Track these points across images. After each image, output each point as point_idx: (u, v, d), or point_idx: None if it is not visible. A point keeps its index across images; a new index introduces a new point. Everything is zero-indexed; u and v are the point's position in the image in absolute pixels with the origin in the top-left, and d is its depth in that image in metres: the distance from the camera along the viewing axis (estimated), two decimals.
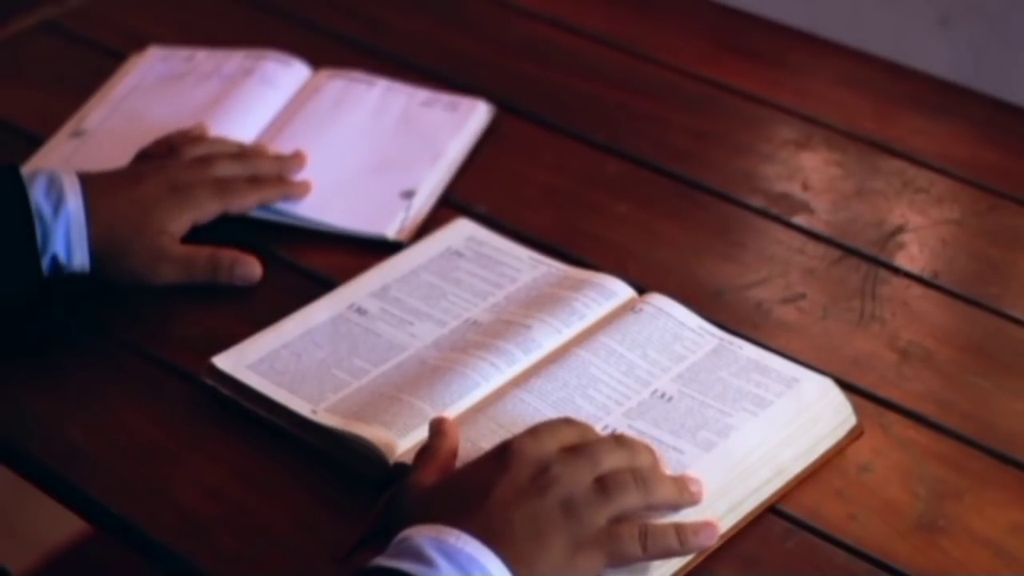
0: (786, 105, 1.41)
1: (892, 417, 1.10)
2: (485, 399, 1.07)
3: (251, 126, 1.35)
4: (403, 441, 1.04)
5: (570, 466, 0.95)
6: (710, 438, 1.04)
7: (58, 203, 1.14)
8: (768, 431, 1.05)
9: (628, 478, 0.96)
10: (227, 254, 1.19)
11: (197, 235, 1.21)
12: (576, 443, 0.98)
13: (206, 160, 1.23)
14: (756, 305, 1.19)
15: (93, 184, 1.16)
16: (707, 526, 0.97)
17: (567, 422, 1.00)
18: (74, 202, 1.14)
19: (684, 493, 0.98)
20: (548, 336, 1.12)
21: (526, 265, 1.20)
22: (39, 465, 1.09)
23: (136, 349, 1.16)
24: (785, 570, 1.00)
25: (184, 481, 1.06)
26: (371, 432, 1.04)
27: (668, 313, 1.13)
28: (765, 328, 1.17)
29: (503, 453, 0.96)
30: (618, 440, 0.99)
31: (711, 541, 0.97)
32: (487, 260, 1.21)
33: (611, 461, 0.97)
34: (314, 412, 1.07)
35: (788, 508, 1.03)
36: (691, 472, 1.01)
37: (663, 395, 1.08)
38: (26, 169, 1.17)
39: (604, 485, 0.95)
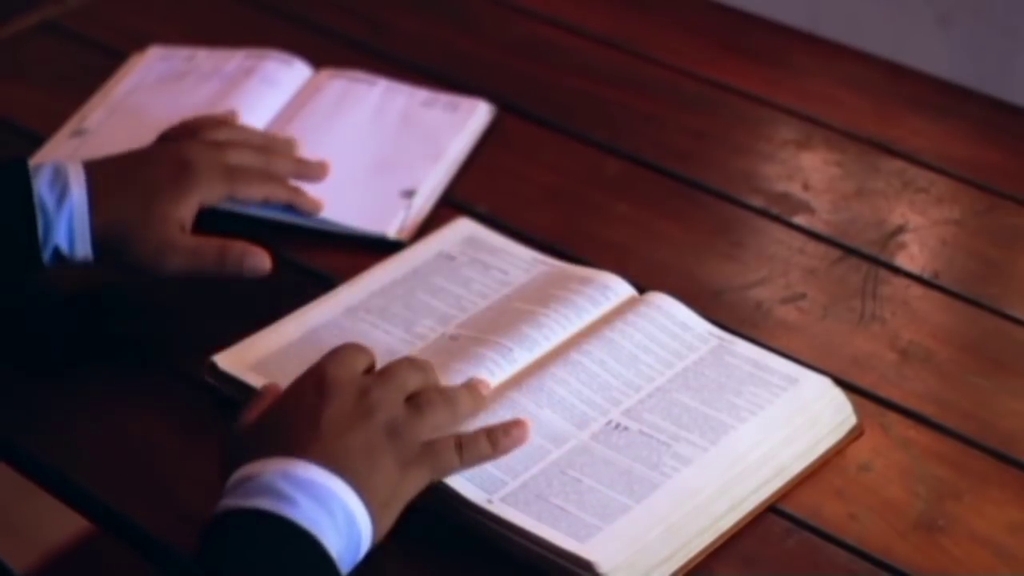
0: (786, 105, 1.41)
1: (892, 417, 1.10)
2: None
3: (252, 126, 1.35)
4: None
5: (385, 389, 0.99)
6: (710, 437, 1.04)
7: (62, 194, 1.13)
8: (768, 430, 1.05)
9: (435, 396, 1.02)
10: (237, 245, 1.17)
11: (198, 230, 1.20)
12: (371, 365, 1.03)
13: (221, 145, 1.22)
14: (756, 305, 1.19)
15: (98, 173, 1.15)
16: (516, 424, 1.03)
17: (356, 345, 1.03)
18: (78, 193, 1.13)
19: (479, 399, 1.04)
20: (549, 334, 1.12)
21: (527, 264, 1.20)
22: (40, 464, 1.09)
23: (136, 349, 1.16)
24: (785, 570, 1.00)
25: (184, 481, 1.06)
26: None
27: (668, 312, 1.13)
28: (765, 328, 1.17)
29: (319, 380, 0.99)
30: (409, 361, 1.04)
31: (523, 439, 1.03)
32: (488, 259, 1.21)
33: (415, 380, 1.02)
34: None
35: (788, 508, 1.03)
36: (692, 469, 1.02)
37: (663, 394, 1.08)
38: (33, 162, 1.16)
39: (417, 405, 1.00)
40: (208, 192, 1.18)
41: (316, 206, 1.25)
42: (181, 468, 1.07)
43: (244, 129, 1.27)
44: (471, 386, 1.05)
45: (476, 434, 1.01)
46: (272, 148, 1.26)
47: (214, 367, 1.11)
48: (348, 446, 0.95)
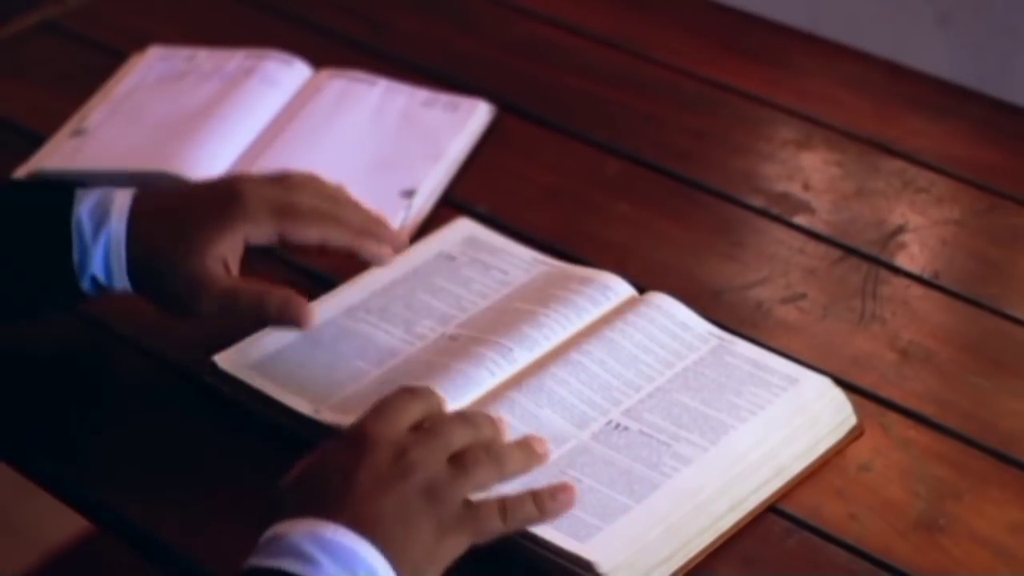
0: (786, 105, 1.41)
1: (892, 417, 1.10)
2: (481, 399, 1.07)
3: (252, 126, 1.35)
4: None
5: (426, 448, 0.95)
6: (710, 437, 1.04)
7: (100, 224, 1.09)
8: (768, 430, 1.05)
9: (481, 454, 0.97)
10: (278, 293, 1.09)
11: None
12: (423, 419, 0.98)
13: (282, 181, 1.13)
14: (756, 305, 1.19)
15: (144, 202, 1.10)
16: (563, 489, 0.98)
17: (410, 395, 0.99)
18: (117, 224, 1.09)
19: (532, 458, 0.99)
20: (549, 334, 1.12)
21: (527, 264, 1.20)
22: (39, 464, 1.09)
23: (136, 348, 1.16)
24: (785, 570, 1.00)
25: (185, 481, 1.06)
26: None
27: (668, 312, 1.13)
28: (765, 328, 1.17)
29: (356, 439, 0.95)
30: (462, 416, 0.99)
31: (570, 504, 0.98)
32: (488, 259, 1.21)
33: (461, 438, 0.97)
34: (316, 411, 1.07)
35: (788, 508, 1.03)
36: (692, 469, 1.02)
37: (663, 394, 1.08)
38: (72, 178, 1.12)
39: (460, 463, 0.95)
40: (255, 228, 1.09)
41: (386, 255, 1.14)
42: (181, 467, 1.07)
43: (324, 181, 1.16)
44: (525, 443, 0.99)
45: (522, 497, 0.97)
46: (346, 199, 1.15)
47: (214, 367, 1.11)
48: (380, 508, 0.92)
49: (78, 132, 1.35)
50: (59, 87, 1.42)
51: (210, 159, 1.30)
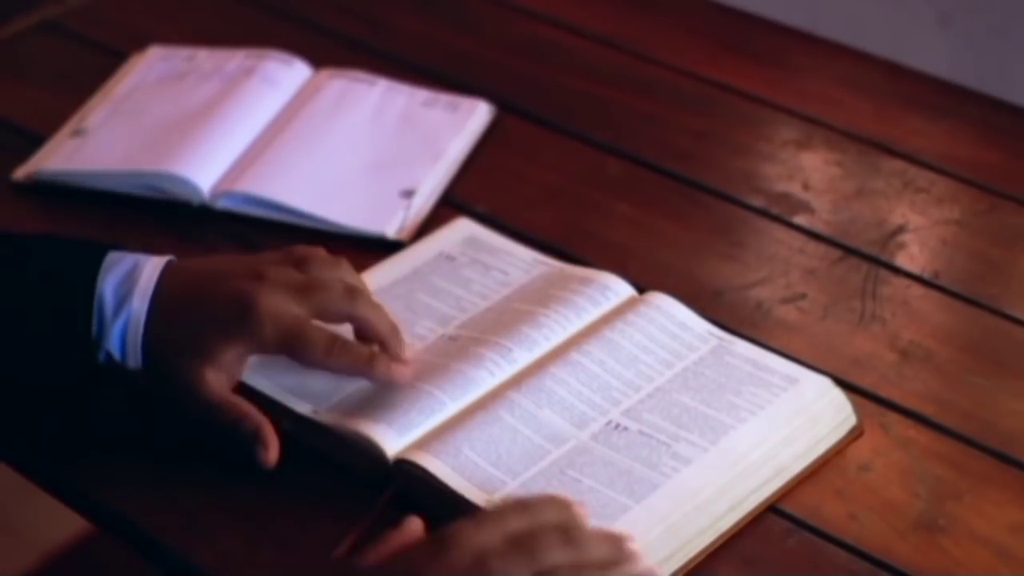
0: (786, 105, 1.41)
1: (892, 417, 1.10)
2: (481, 399, 1.07)
3: (252, 126, 1.35)
4: (403, 438, 1.04)
5: (509, 561, 0.89)
6: (710, 437, 1.04)
7: (122, 302, 1.05)
8: (768, 430, 1.05)
9: None
10: (250, 428, 1.05)
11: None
12: (527, 531, 0.91)
13: (301, 292, 1.06)
14: (756, 305, 1.19)
15: (169, 287, 1.06)
16: None
17: (520, 507, 0.93)
18: (139, 306, 1.05)
19: None
20: (549, 334, 1.12)
21: (527, 264, 1.20)
22: (39, 464, 1.09)
23: None
24: (785, 570, 1.00)
25: (184, 481, 1.06)
26: (371, 429, 1.04)
27: (668, 312, 1.13)
28: (765, 328, 1.17)
29: (443, 539, 0.91)
30: (569, 534, 0.92)
31: None
32: (488, 260, 1.21)
33: (555, 558, 0.90)
34: (315, 412, 1.07)
35: (788, 508, 1.03)
36: (692, 469, 1.02)
37: (663, 394, 1.08)
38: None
39: None
40: (261, 347, 1.06)
41: (396, 373, 1.08)
42: (181, 467, 1.07)
43: (346, 277, 1.10)
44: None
45: None
46: (366, 303, 1.09)
47: None
48: None
49: (78, 132, 1.35)
50: (59, 87, 1.42)
51: (210, 159, 1.30)
